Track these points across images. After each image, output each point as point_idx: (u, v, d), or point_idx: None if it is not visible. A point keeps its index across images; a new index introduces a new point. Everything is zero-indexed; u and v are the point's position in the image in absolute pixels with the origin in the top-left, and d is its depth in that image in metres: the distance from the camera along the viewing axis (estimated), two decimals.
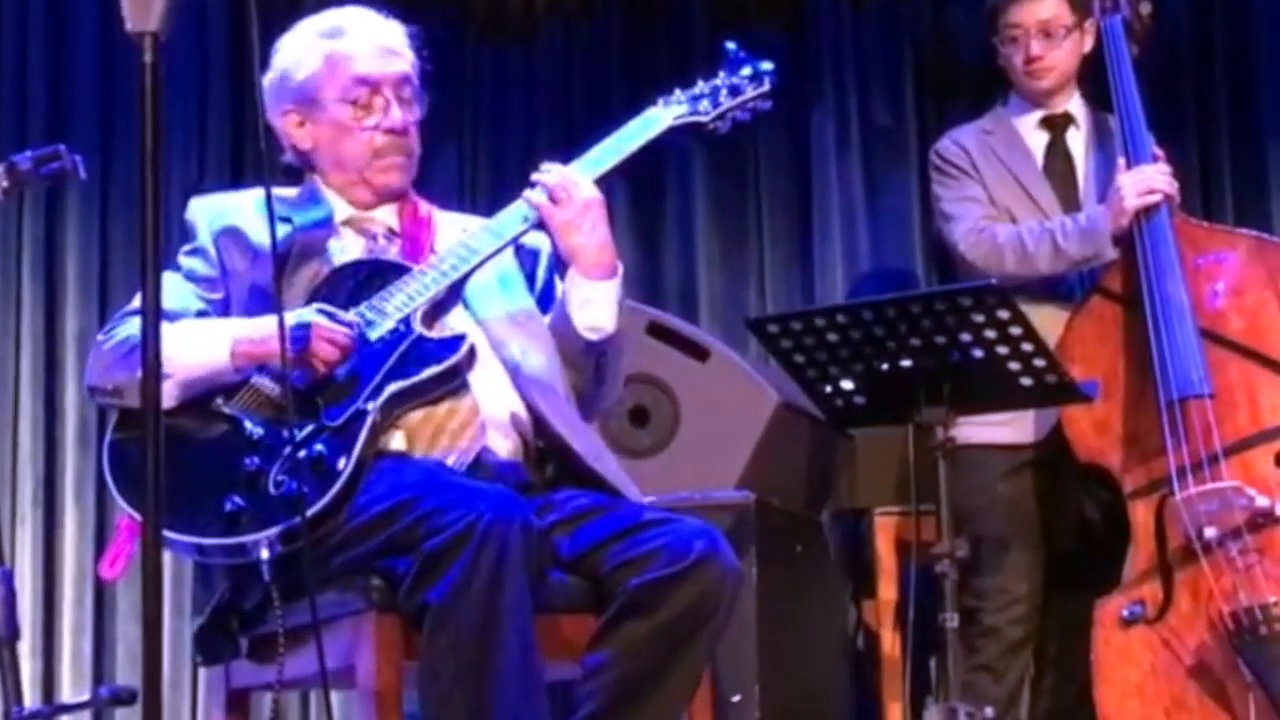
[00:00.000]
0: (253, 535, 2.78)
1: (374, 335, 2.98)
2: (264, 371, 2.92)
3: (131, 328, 2.94)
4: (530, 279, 3.27)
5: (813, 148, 5.36)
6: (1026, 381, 3.64)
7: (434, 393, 2.97)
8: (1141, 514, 3.90)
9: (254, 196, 3.17)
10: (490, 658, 2.66)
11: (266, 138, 3.16)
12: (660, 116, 3.25)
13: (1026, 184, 4.31)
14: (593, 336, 3.12)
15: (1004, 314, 3.55)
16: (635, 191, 5.36)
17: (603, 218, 3.10)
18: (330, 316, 2.94)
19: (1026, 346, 3.58)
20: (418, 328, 3.01)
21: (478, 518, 2.67)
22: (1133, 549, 3.91)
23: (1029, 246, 4.15)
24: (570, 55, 5.45)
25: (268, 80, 3.20)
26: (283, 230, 3.07)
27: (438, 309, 3.08)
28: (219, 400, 2.93)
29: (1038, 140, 4.38)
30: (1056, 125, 4.38)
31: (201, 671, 4.65)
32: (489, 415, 3.01)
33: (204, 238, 3.13)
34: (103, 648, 4.96)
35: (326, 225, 3.16)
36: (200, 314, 3.06)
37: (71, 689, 4.87)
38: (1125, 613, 3.84)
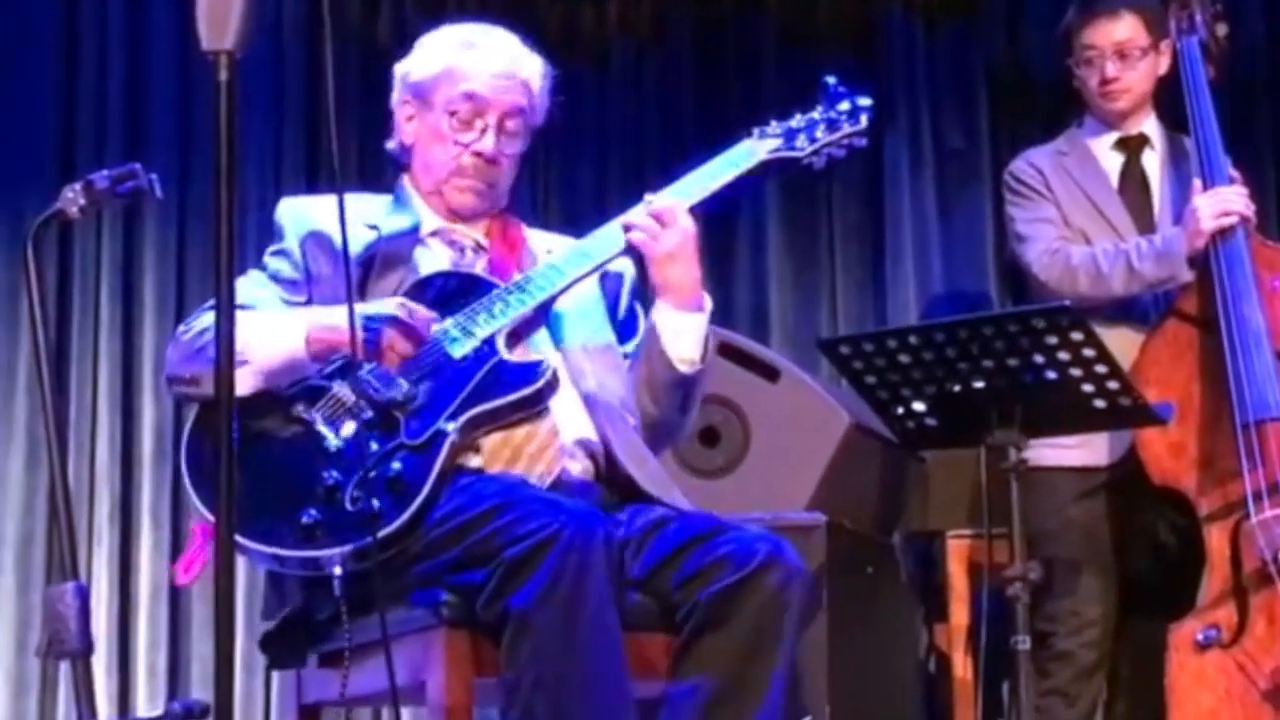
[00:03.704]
0: (327, 551, 2.76)
1: (458, 353, 2.96)
2: (346, 380, 2.90)
3: (210, 319, 2.88)
4: (613, 305, 3.26)
5: (885, 169, 5.34)
6: (1100, 404, 3.61)
7: (513, 417, 2.95)
8: (1217, 538, 3.87)
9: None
10: (574, 665, 2.63)
11: (340, 153, 3.17)
12: (755, 149, 3.18)
13: (1101, 205, 4.29)
14: (685, 369, 3.08)
15: (1078, 336, 3.52)
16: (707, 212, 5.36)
17: (697, 251, 3.07)
18: (410, 313, 2.93)
19: (1100, 369, 3.56)
20: (501, 349, 2.98)
21: (560, 528, 2.65)
22: (1207, 573, 3.88)
23: (1103, 268, 4.13)
24: (642, 76, 5.45)
25: (399, 68, 3.25)
26: (369, 236, 3.09)
27: (522, 330, 3.05)
28: (300, 406, 2.91)
29: (1113, 162, 4.36)
30: (1131, 147, 4.35)
31: (274, 686, 4.67)
32: (566, 441, 3.00)
33: (290, 240, 3.14)
34: (178, 663, 4.98)
35: (413, 234, 3.16)
36: None
37: (147, 705, 4.90)
38: (1200, 637, 3.81)
